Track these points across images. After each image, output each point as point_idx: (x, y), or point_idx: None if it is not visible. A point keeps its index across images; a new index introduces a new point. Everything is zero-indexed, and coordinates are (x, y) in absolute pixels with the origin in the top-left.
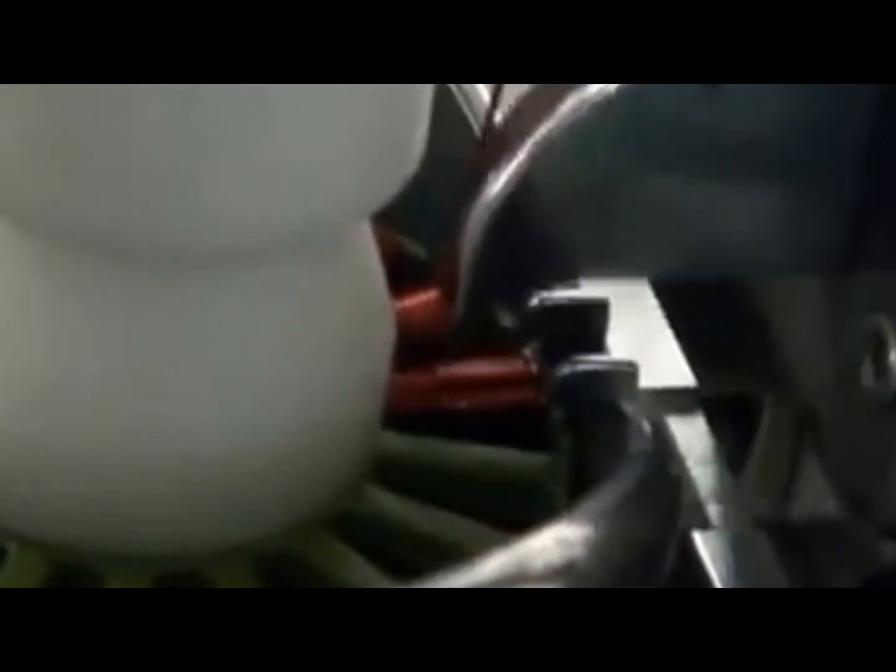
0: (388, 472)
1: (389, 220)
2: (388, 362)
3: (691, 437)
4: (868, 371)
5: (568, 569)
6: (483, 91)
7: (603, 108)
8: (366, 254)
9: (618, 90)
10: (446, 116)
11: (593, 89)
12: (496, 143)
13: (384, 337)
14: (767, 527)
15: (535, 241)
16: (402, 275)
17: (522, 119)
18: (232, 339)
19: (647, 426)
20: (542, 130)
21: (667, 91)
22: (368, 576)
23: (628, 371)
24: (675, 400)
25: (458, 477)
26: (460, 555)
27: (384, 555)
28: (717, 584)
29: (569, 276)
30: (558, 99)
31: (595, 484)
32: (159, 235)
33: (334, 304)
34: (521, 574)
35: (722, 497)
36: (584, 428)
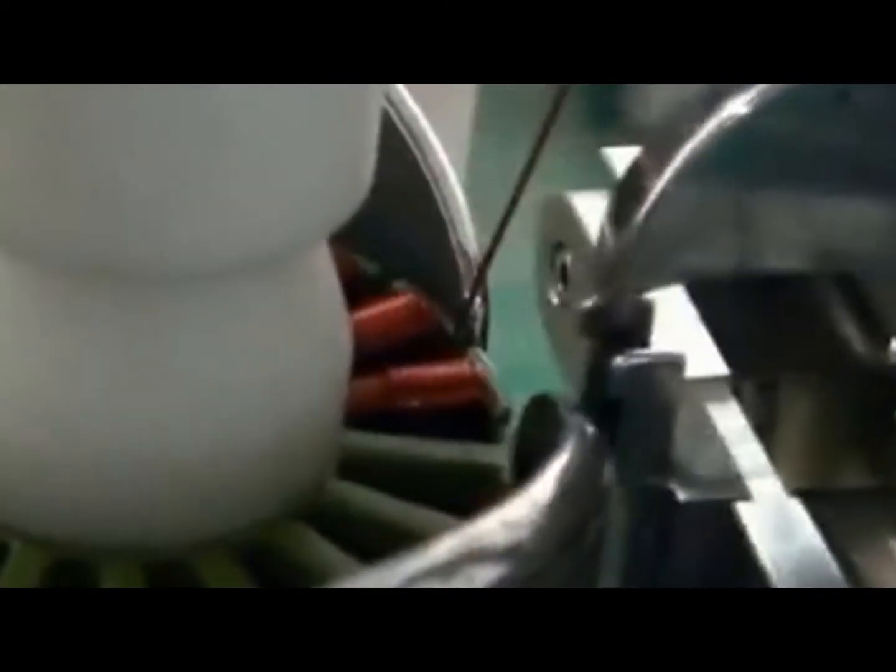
0: (352, 468)
1: (344, 241)
2: (349, 367)
3: (728, 419)
4: None
5: (513, 549)
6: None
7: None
8: (325, 270)
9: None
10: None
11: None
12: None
13: (344, 344)
14: (804, 496)
15: None
16: (357, 290)
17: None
18: (205, 348)
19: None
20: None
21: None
22: (337, 562)
23: (673, 362)
24: (711, 388)
25: (419, 469)
26: (422, 540)
27: (352, 542)
28: (760, 551)
29: None
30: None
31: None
32: (126, 258)
33: (298, 315)
34: (470, 555)
35: (760, 472)
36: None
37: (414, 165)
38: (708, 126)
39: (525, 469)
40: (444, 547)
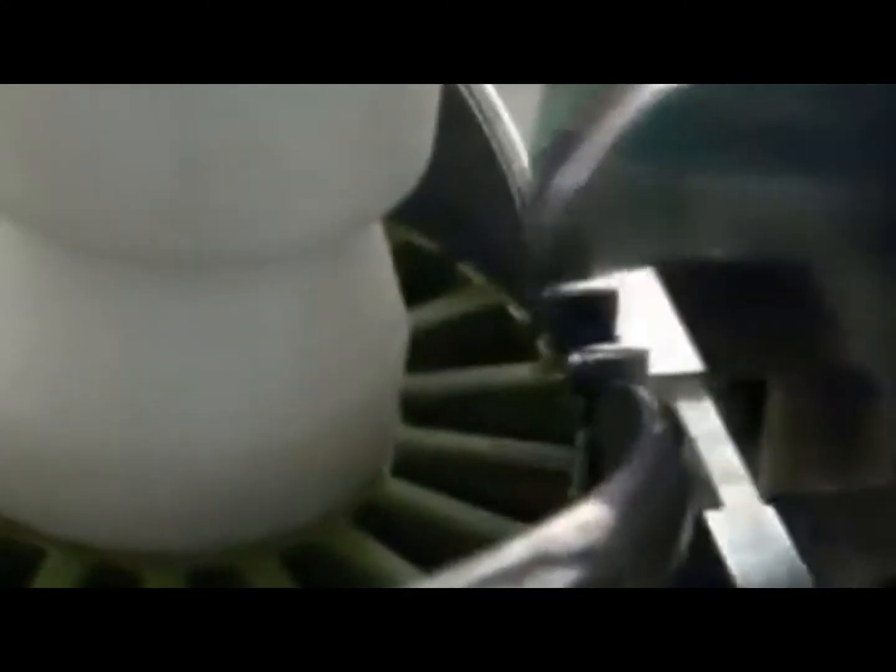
0: (409, 465)
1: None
2: (403, 357)
3: (700, 420)
4: None
5: (588, 552)
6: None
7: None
8: (378, 252)
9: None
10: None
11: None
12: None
13: (399, 333)
14: (778, 504)
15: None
16: (418, 272)
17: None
18: (248, 338)
19: (658, 411)
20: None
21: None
22: (391, 565)
23: (639, 358)
24: (684, 385)
25: (479, 468)
26: (479, 544)
27: (406, 544)
28: (729, 562)
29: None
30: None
31: (610, 470)
32: (167, 240)
33: (351, 302)
34: (542, 559)
35: (732, 478)
36: (599, 416)
37: (483, 142)
38: (640, 97)
39: (598, 469)
40: (514, 551)
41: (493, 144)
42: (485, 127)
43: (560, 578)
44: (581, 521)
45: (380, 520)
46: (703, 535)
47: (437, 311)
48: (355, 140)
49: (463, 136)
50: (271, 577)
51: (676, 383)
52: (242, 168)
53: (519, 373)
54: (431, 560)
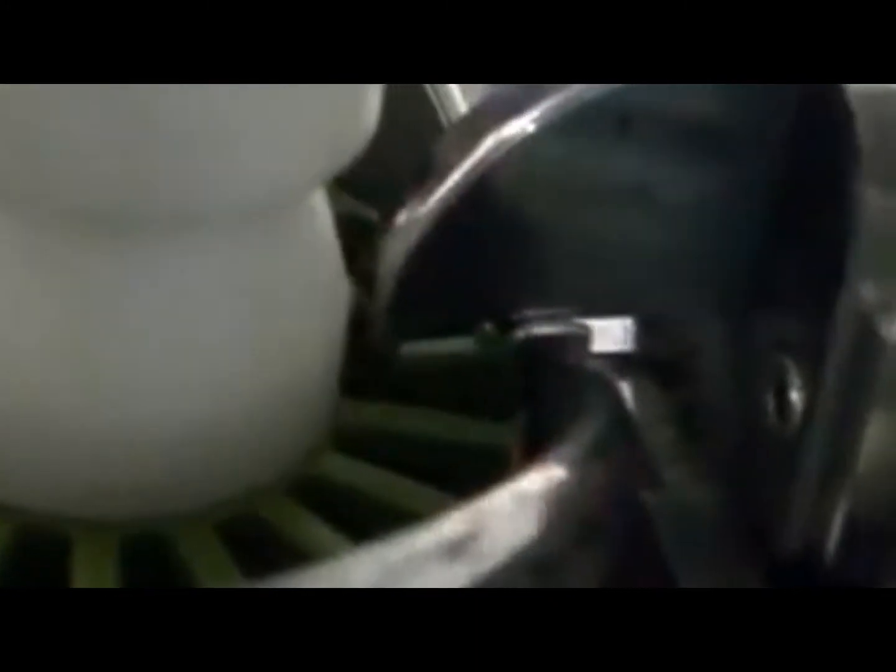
0: (348, 439)
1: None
2: (344, 328)
3: (640, 399)
4: (770, 408)
5: (527, 526)
6: None
7: (526, 146)
8: (321, 220)
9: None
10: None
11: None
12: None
13: (339, 302)
14: (715, 483)
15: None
16: (359, 240)
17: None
18: (186, 305)
19: (600, 388)
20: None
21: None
22: (322, 536)
23: (580, 334)
24: (625, 364)
25: (418, 443)
26: (416, 517)
27: (341, 517)
28: (665, 542)
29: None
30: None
31: (551, 445)
32: (108, 199)
33: (289, 269)
34: (479, 532)
35: (670, 457)
36: (541, 392)
37: (431, 111)
38: (486, 145)
39: (539, 445)
40: (451, 523)
41: (441, 117)
42: (434, 100)
43: (497, 552)
44: (519, 494)
45: (316, 493)
46: (642, 513)
47: None
48: (300, 103)
49: (412, 110)
50: (203, 545)
51: (618, 362)
52: (190, 129)
53: (461, 347)
54: (366, 533)
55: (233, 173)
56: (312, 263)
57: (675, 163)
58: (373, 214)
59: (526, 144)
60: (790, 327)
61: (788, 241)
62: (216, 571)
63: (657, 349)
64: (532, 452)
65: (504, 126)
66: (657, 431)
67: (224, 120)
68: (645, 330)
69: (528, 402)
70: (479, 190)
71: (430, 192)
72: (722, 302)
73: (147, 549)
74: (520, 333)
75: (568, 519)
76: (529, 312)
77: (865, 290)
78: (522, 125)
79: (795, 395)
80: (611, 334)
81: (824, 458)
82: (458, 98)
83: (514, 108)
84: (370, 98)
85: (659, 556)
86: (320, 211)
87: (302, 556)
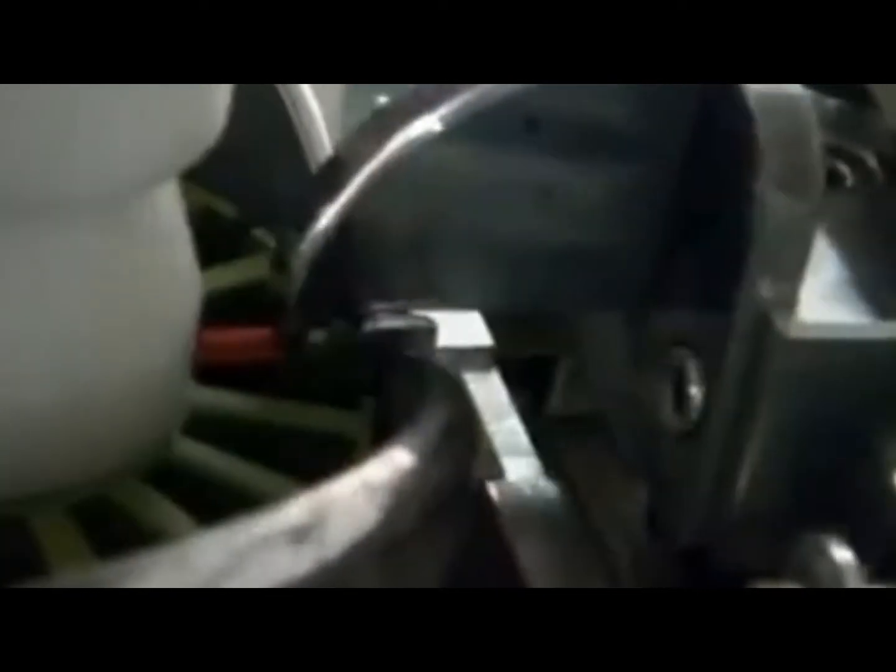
0: (200, 425)
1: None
2: (195, 317)
3: (487, 393)
4: (668, 403)
5: (372, 512)
6: None
7: (433, 144)
8: (170, 213)
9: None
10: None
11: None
12: (329, 173)
13: (189, 292)
14: (558, 477)
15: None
16: (214, 235)
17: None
18: (33, 293)
19: (445, 381)
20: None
21: (489, 126)
22: (177, 521)
23: (427, 328)
24: (473, 358)
25: (268, 430)
26: (262, 502)
27: (192, 501)
28: (506, 530)
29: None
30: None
31: (396, 435)
32: None
33: (136, 259)
34: (324, 517)
35: (515, 450)
36: (388, 383)
37: (282, 109)
38: (393, 143)
39: (385, 436)
40: (297, 509)
41: (293, 115)
42: (285, 97)
43: (341, 538)
44: (365, 482)
45: (168, 477)
46: (485, 503)
47: (229, 274)
48: (142, 99)
49: (264, 107)
50: (55, 526)
51: (464, 356)
52: (33, 114)
53: (312, 338)
54: (215, 517)
55: (73, 165)
56: (161, 254)
57: (580, 163)
58: (228, 208)
59: (433, 143)
60: (690, 324)
61: (689, 240)
62: (68, 551)
63: (518, 345)
64: (379, 441)
65: (411, 125)
66: (501, 424)
67: (63, 112)
68: (511, 326)
69: (376, 392)
70: (383, 186)
71: (338, 187)
72: (622, 298)
73: (1, 529)
74: (368, 326)
75: (412, 507)
76: (380, 305)
77: (763, 288)
78: (429, 124)
79: (694, 390)
80: (466, 328)
81: (722, 451)
82: (310, 97)
83: (423, 108)
84: (218, 96)
85: (503, 547)
86: (170, 203)
87: (152, 538)
